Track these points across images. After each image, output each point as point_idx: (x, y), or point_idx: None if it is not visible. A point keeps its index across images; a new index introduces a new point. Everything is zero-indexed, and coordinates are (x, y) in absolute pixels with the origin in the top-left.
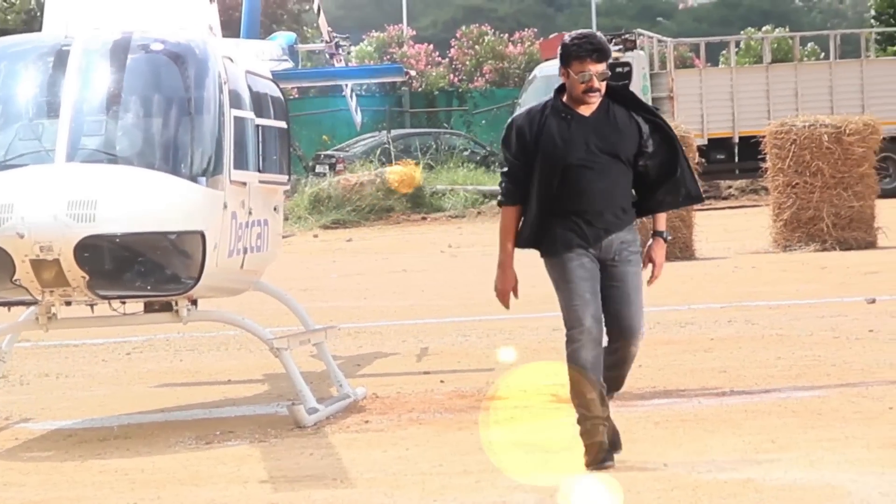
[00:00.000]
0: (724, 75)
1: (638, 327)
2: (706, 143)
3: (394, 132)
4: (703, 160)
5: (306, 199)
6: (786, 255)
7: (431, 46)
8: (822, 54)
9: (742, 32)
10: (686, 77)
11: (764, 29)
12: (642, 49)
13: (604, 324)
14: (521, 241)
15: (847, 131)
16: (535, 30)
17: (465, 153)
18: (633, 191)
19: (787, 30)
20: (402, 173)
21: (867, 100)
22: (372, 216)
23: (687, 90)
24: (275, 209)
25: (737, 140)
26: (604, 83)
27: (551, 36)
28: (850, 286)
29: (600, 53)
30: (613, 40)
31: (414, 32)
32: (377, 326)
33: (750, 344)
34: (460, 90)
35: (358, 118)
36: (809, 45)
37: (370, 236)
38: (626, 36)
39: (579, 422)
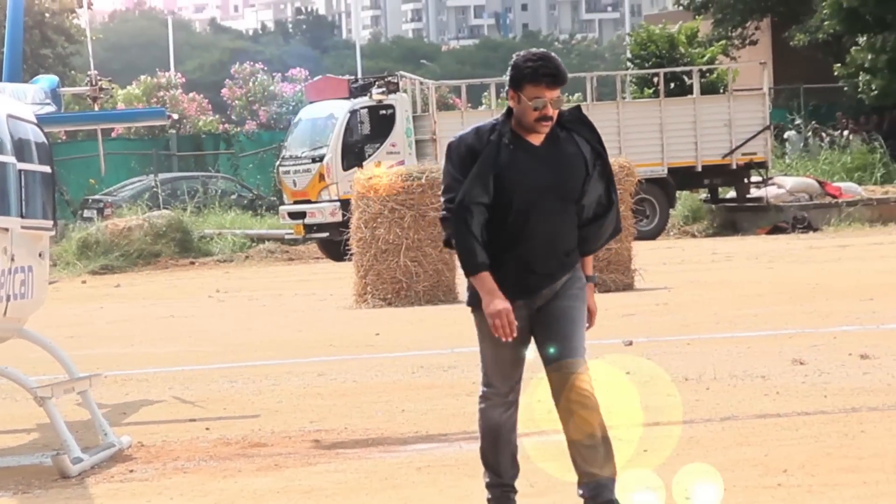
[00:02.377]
0: (485, 117)
1: (576, 366)
2: None
3: (161, 176)
4: None
5: (74, 245)
6: None
7: (207, 101)
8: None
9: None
10: (448, 119)
11: None
12: (405, 91)
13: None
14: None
15: None
16: (308, 71)
17: (233, 197)
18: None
19: None
20: None
21: (624, 142)
22: (140, 261)
23: (449, 132)
24: (40, 255)
25: None
26: (556, 111)
27: (316, 78)
28: (607, 329)
29: (557, 77)
30: (376, 83)
31: (184, 79)
32: (144, 373)
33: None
34: (228, 134)
35: (102, 165)
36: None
37: (139, 282)
38: (389, 78)
39: (487, 487)
